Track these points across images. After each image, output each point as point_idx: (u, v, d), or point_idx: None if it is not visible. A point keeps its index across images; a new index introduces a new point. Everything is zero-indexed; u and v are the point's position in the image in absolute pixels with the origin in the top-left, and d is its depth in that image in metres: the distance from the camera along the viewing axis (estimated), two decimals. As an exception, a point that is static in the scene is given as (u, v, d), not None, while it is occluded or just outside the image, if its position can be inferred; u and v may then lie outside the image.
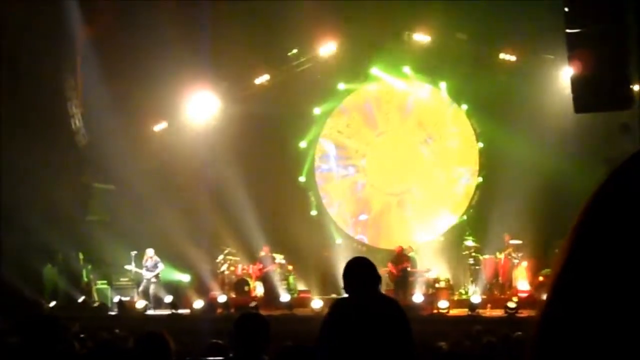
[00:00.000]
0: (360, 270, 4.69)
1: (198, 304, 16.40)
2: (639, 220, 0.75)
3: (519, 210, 16.03)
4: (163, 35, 17.21)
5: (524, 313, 14.18)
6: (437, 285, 16.76)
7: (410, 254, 17.20)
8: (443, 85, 18.90)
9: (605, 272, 0.75)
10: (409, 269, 16.68)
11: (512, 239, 16.54)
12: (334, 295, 16.64)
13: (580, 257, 0.78)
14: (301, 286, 18.22)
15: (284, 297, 16.62)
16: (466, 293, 16.82)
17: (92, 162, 18.78)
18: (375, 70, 19.21)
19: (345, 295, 4.73)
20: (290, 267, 18.16)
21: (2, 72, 17.28)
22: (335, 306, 4.75)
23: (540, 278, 15.47)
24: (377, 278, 4.71)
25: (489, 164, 18.71)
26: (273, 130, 18.95)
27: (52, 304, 17.01)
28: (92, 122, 18.49)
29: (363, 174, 19.91)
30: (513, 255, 16.42)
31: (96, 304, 17.18)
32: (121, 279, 18.22)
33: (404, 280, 16.49)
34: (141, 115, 19.06)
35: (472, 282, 16.86)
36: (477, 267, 16.86)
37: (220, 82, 19.43)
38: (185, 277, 18.48)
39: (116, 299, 17.43)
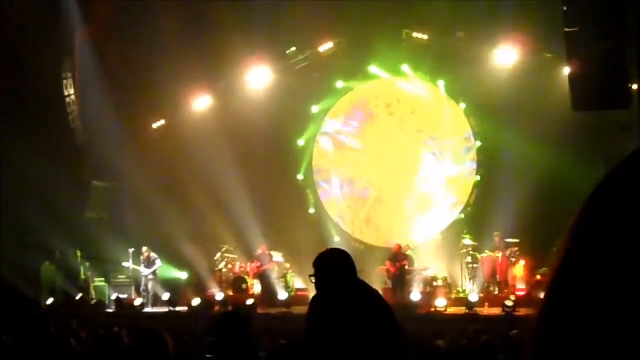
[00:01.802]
0: (331, 262, 4.29)
1: (196, 301, 16.41)
2: (638, 219, 0.74)
3: (517, 208, 16.05)
4: (162, 34, 17.21)
5: (521, 312, 14.20)
6: (435, 283, 16.78)
7: (408, 252, 17.22)
8: (441, 83, 18.89)
9: (603, 271, 0.75)
10: (407, 267, 16.72)
11: (502, 238, 16.56)
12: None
13: (578, 256, 0.78)
14: (299, 284, 18.23)
15: (282, 295, 16.64)
16: (464, 291, 16.84)
17: (90, 159, 18.79)
18: (373, 69, 19.20)
19: (320, 291, 4.40)
20: (288, 265, 18.17)
21: (1, 71, 17.26)
22: (313, 304, 4.57)
23: (538, 277, 15.48)
24: (353, 268, 4.28)
25: (487, 163, 18.72)
26: (271, 128, 18.94)
27: (50, 301, 17.01)
28: (91, 120, 18.48)
29: (361, 172, 19.90)
30: (510, 253, 16.44)
31: (94, 302, 17.18)
32: (119, 277, 18.23)
33: (401, 278, 16.53)
34: (140, 113, 19.06)
35: (470, 280, 16.88)
36: (475, 266, 16.88)
37: (218, 80, 19.42)
38: (182, 275, 18.50)
39: (114, 296, 17.46)
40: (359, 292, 4.28)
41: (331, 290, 4.27)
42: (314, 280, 4.35)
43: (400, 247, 17.05)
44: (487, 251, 16.79)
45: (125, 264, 17.63)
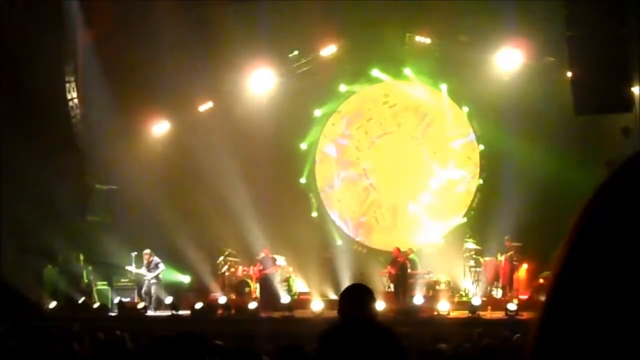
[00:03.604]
0: (356, 297, 4.64)
1: (198, 305, 16.39)
2: (637, 222, 0.75)
3: (519, 212, 16.02)
4: (164, 37, 17.22)
5: (524, 315, 14.18)
6: (437, 287, 16.74)
7: (411, 256, 17.17)
8: (444, 87, 18.88)
9: (603, 274, 0.75)
10: (407, 266, 16.65)
11: (512, 242, 16.53)
12: (334, 297, 16.64)
13: (579, 259, 0.79)
14: (301, 288, 18.21)
15: (284, 298, 16.62)
16: (466, 295, 16.82)
17: (92, 162, 18.77)
18: (376, 72, 19.20)
19: (339, 320, 4.73)
20: (290, 269, 18.15)
21: (3, 73, 17.28)
22: (327, 332, 4.76)
23: (541, 280, 15.45)
24: (371, 307, 4.65)
25: (489, 166, 18.70)
26: (274, 131, 18.94)
27: (53, 304, 17.01)
28: (93, 122, 18.48)
29: (364, 176, 19.89)
30: (514, 257, 16.42)
31: (96, 305, 17.17)
32: (121, 280, 18.23)
33: (403, 278, 16.44)
34: (142, 116, 19.06)
35: (472, 284, 16.86)
36: (477, 269, 16.86)
37: (221, 83, 19.42)
38: (185, 278, 18.49)
39: (116, 300, 17.45)
40: (375, 328, 4.55)
41: (349, 323, 4.54)
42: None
43: (398, 250, 17.00)
44: (498, 255, 16.73)
45: (127, 268, 17.62)
